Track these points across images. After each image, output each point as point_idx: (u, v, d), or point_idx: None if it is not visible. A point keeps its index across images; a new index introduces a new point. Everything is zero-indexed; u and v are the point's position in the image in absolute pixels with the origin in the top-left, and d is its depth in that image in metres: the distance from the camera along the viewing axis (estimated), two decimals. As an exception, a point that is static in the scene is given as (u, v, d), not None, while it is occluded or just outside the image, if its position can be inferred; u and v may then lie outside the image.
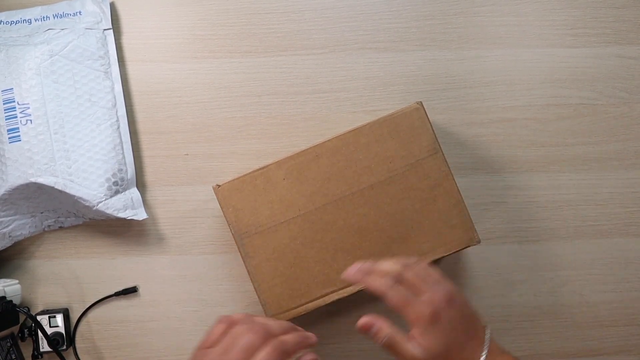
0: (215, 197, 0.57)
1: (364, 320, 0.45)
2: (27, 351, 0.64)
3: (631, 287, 0.65)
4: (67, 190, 0.59)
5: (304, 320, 0.65)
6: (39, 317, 0.62)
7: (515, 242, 0.65)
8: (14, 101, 0.60)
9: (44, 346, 0.62)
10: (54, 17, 0.63)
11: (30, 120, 0.59)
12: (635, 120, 0.66)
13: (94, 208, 0.60)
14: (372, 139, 0.56)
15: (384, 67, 0.66)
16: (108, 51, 0.64)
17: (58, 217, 0.64)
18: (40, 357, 0.63)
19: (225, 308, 0.65)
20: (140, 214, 0.62)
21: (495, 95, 0.66)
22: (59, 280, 0.65)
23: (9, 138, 0.59)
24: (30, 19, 0.64)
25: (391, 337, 0.44)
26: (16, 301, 0.61)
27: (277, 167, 0.56)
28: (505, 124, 0.66)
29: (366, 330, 0.45)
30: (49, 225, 0.65)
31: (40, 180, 0.59)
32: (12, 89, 0.60)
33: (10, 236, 0.63)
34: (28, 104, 0.60)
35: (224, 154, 0.66)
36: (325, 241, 0.56)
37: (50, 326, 0.63)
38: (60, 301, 0.65)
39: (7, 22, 0.64)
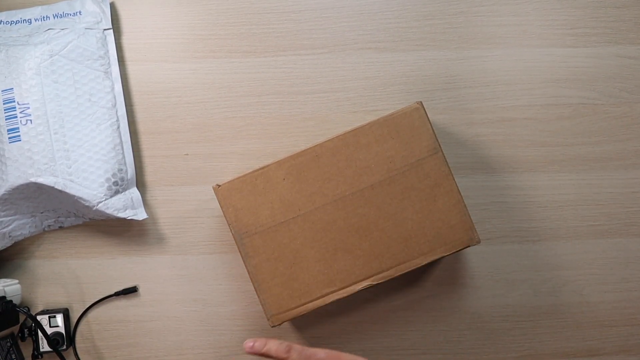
0: (215, 197, 0.57)
1: (248, 344, 0.48)
2: (27, 351, 0.64)
3: (631, 287, 0.65)
4: (67, 190, 0.59)
5: (304, 320, 0.65)
6: (39, 317, 0.62)
7: (515, 242, 0.65)
8: (14, 101, 0.60)
9: (44, 346, 0.62)
10: (54, 17, 0.63)
11: (30, 120, 0.60)
12: (636, 120, 0.66)
13: (94, 208, 0.60)
14: (372, 139, 0.56)
15: (384, 67, 0.66)
16: (108, 51, 0.64)
17: (58, 217, 0.64)
18: (40, 357, 0.63)
19: (225, 308, 0.65)
20: (140, 214, 0.62)
21: (495, 95, 0.66)
22: (59, 280, 0.65)
23: (9, 138, 0.59)
24: (30, 19, 0.64)
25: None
26: (16, 301, 0.61)
27: (277, 167, 0.56)
28: (505, 123, 0.66)
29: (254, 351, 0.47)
30: (49, 225, 0.65)
31: (40, 180, 0.59)
32: (12, 88, 0.60)
33: (10, 236, 0.63)
34: (28, 103, 0.60)
35: (224, 154, 0.66)
36: (325, 241, 0.56)
37: (50, 326, 0.63)
38: (60, 301, 0.65)
39: (7, 22, 0.64)
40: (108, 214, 0.61)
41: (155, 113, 0.66)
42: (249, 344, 0.47)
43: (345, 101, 0.66)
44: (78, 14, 0.64)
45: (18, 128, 0.59)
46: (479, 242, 0.56)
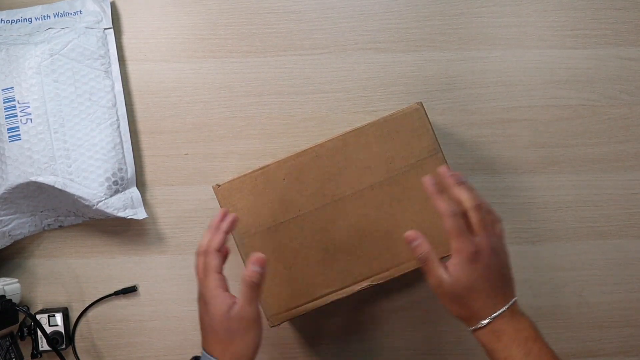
0: (215, 196, 0.57)
1: (410, 232, 0.48)
2: (26, 350, 0.64)
3: (630, 288, 0.65)
4: (67, 190, 0.59)
5: (304, 320, 0.65)
6: (38, 316, 0.62)
7: (515, 242, 0.65)
8: (14, 100, 0.60)
9: (44, 345, 0.62)
10: (55, 16, 0.63)
11: (30, 119, 0.59)
12: (635, 121, 0.66)
13: (94, 207, 0.60)
14: (372, 139, 0.56)
15: (384, 68, 0.66)
16: (108, 50, 0.64)
17: (58, 216, 0.64)
18: (39, 356, 0.63)
19: (224, 308, 0.65)
20: (140, 214, 0.62)
21: (495, 96, 0.66)
22: (59, 279, 0.65)
23: (9, 137, 0.59)
24: (31, 18, 0.64)
25: (428, 255, 0.47)
26: (15, 300, 0.61)
27: (277, 167, 0.56)
28: (505, 124, 0.66)
29: (409, 241, 0.48)
30: (48, 224, 0.65)
31: (40, 179, 0.59)
32: (12, 88, 0.60)
33: (10, 235, 0.63)
34: (28, 103, 0.60)
35: (224, 154, 0.66)
36: (325, 241, 0.56)
37: (49, 325, 0.63)
38: (60, 300, 0.65)
39: (7, 21, 0.64)
40: (108, 213, 0.61)
41: (155, 113, 0.66)
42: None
43: (345, 101, 0.66)
44: (78, 13, 0.64)
45: (18, 127, 0.59)
46: (478, 242, 0.56)
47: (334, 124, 0.66)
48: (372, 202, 0.56)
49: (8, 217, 0.62)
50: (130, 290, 0.65)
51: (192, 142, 0.66)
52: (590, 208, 0.65)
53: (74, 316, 0.65)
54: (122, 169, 0.62)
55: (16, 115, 0.59)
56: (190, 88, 0.66)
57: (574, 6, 0.66)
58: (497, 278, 0.47)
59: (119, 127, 0.63)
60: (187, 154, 0.66)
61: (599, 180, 0.66)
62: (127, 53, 0.66)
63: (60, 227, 0.65)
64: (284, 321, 0.56)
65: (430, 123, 0.56)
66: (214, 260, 0.48)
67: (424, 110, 0.56)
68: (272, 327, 0.56)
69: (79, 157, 0.60)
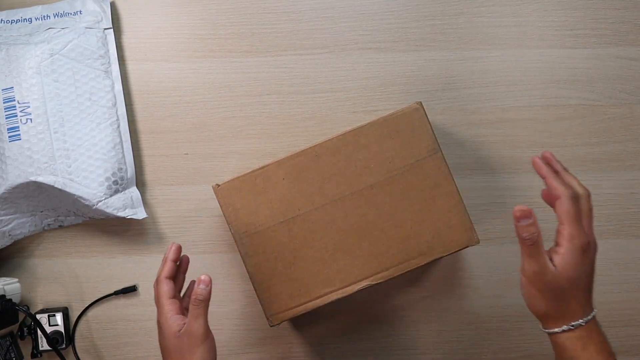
0: (215, 196, 0.57)
1: (522, 207, 0.43)
2: (26, 350, 0.64)
3: (630, 288, 0.65)
4: (67, 189, 0.59)
5: (304, 320, 0.65)
6: (38, 316, 0.62)
7: (514, 242, 0.64)
8: (14, 100, 0.60)
9: (44, 345, 0.62)
10: (55, 16, 0.63)
11: (30, 119, 0.60)
12: (635, 121, 0.66)
13: (94, 207, 0.60)
14: (372, 139, 0.56)
15: (384, 67, 0.66)
16: (108, 50, 0.64)
17: (58, 216, 0.64)
18: (39, 355, 0.63)
19: (224, 307, 0.65)
20: (140, 213, 0.62)
21: (495, 95, 0.66)
22: (59, 279, 0.65)
23: (9, 137, 0.59)
24: (31, 18, 0.64)
25: (538, 239, 0.43)
26: (16, 300, 0.61)
27: (277, 167, 0.56)
28: (505, 124, 0.66)
29: (520, 217, 0.43)
30: (48, 224, 0.65)
31: (40, 179, 0.59)
32: (12, 87, 0.60)
33: (10, 235, 0.63)
34: (28, 102, 0.60)
35: (224, 154, 0.66)
36: (325, 241, 0.56)
37: (49, 325, 0.63)
38: (60, 300, 0.65)
39: (7, 21, 0.64)
40: (108, 213, 0.61)
41: (155, 112, 0.66)
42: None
43: (345, 101, 0.66)
44: (78, 13, 0.64)
45: (18, 127, 0.59)
46: (478, 242, 0.56)
47: (334, 124, 0.66)
48: (372, 202, 0.56)
49: (8, 217, 0.62)
50: (130, 290, 0.65)
51: (192, 142, 0.66)
52: (590, 208, 0.65)
53: (74, 316, 0.65)
54: (122, 168, 0.62)
55: (16, 115, 0.59)
56: (190, 88, 0.66)
57: (574, 6, 0.66)
58: (592, 279, 0.44)
59: (119, 127, 0.63)
60: (187, 154, 0.66)
61: (598, 179, 0.66)
62: (127, 53, 0.66)
63: (60, 227, 0.65)
64: (284, 321, 0.56)
65: (429, 123, 0.56)
66: (164, 287, 0.51)
67: (424, 110, 0.56)
68: (272, 326, 0.56)
69: (79, 157, 0.60)
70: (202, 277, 0.49)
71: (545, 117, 0.66)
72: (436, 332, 0.65)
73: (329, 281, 0.56)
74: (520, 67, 0.66)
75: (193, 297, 0.48)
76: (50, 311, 0.63)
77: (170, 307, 0.50)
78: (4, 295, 0.59)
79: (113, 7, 0.66)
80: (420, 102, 0.56)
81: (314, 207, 0.56)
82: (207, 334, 0.49)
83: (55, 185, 0.59)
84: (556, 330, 0.43)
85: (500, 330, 0.65)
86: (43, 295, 0.65)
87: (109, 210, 0.61)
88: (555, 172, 0.47)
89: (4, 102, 0.60)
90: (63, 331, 0.63)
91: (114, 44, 0.64)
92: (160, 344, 0.51)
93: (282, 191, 0.56)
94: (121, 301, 0.65)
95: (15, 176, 0.59)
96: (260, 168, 0.56)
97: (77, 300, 0.65)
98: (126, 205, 0.62)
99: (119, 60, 0.64)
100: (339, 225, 0.56)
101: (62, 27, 0.63)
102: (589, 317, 0.43)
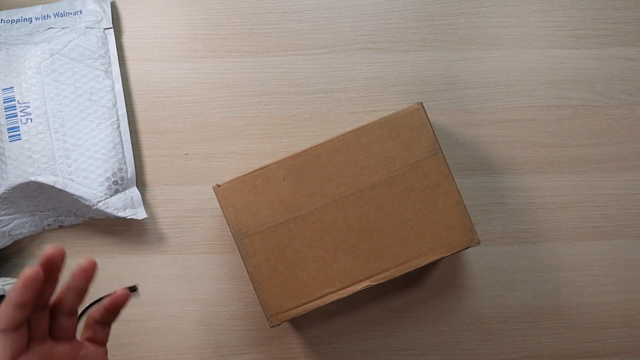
0: (215, 196, 0.57)
1: None
2: (26, 350, 0.64)
3: (631, 289, 0.65)
4: (67, 189, 0.59)
5: (304, 320, 0.65)
6: (38, 316, 0.62)
7: (514, 243, 0.65)
8: (14, 100, 0.60)
9: (43, 345, 0.62)
10: (55, 16, 0.63)
11: (31, 119, 0.60)
12: (636, 121, 0.66)
13: (94, 207, 0.60)
14: (372, 140, 0.56)
15: (384, 68, 0.66)
16: (108, 50, 0.64)
17: (58, 216, 0.64)
18: (39, 356, 0.63)
19: (224, 308, 0.65)
20: (140, 214, 0.62)
21: (495, 96, 0.66)
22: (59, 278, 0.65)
23: (9, 137, 0.59)
24: (31, 18, 0.64)
25: None
26: (15, 300, 0.61)
27: (277, 167, 0.56)
28: (505, 125, 0.66)
29: None
30: (48, 224, 0.65)
31: (40, 179, 0.59)
32: (12, 87, 0.60)
33: (9, 235, 0.63)
34: (28, 102, 0.60)
35: (224, 154, 0.66)
36: (325, 241, 0.56)
37: (49, 325, 0.63)
38: (60, 300, 0.65)
39: (7, 21, 0.64)
40: (108, 213, 0.61)
41: (155, 112, 0.66)
42: None
43: (345, 101, 0.66)
44: (79, 13, 0.64)
45: (18, 127, 0.59)
46: (478, 243, 0.56)
47: (334, 124, 0.66)
48: (372, 202, 0.56)
49: (8, 217, 0.62)
50: (130, 290, 0.65)
51: (192, 142, 0.66)
52: (591, 208, 0.65)
53: (74, 316, 0.65)
54: (122, 168, 0.62)
55: (16, 115, 0.59)
56: (190, 88, 0.66)
57: (574, 6, 0.66)
58: None
59: (119, 126, 0.63)
60: (187, 154, 0.66)
61: (599, 180, 0.66)
62: (127, 53, 0.66)
63: (60, 227, 0.65)
64: (284, 321, 0.56)
65: (430, 123, 0.56)
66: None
67: (424, 110, 0.56)
68: (272, 327, 0.56)
69: (79, 157, 0.60)
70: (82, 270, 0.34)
71: (546, 118, 0.66)
72: (436, 333, 0.65)
73: (329, 282, 0.56)
74: (521, 67, 0.66)
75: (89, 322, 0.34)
76: (50, 311, 0.63)
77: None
78: (3, 296, 0.59)
79: (113, 7, 0.66)
80: (421, 103, 0.56)
81: (315, 208, 0.56)
82: None
83: (56, 186, 0.59)
84: None
85: (500, 331, 0.65)
86: (43, 295, 0.65)
87: (109, 210, 0.61)
88: None
89: (4, 102, 0.60)
90: (63, 331, 0.63)
91: (114, 43, 0.64)
92: None
93: (283, 191, 0.56)
94: (121, 301, 0.65)
95: (15, 176, 0.59)
96: (261, 168, 0.56)
97: (77, 301, 0.65)
98: (126, 205, 0.62)
99: (119, 60, 0.64)
100: (339, 225, 0.56)
101: (62, 27, 0.63)
102: None
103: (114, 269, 0.65)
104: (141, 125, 0.66)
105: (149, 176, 0.66)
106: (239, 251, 0.57)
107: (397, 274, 0.56)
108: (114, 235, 0.66)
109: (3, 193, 0.60)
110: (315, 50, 0.66)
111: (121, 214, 0.61)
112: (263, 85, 0.66)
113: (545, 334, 0.66)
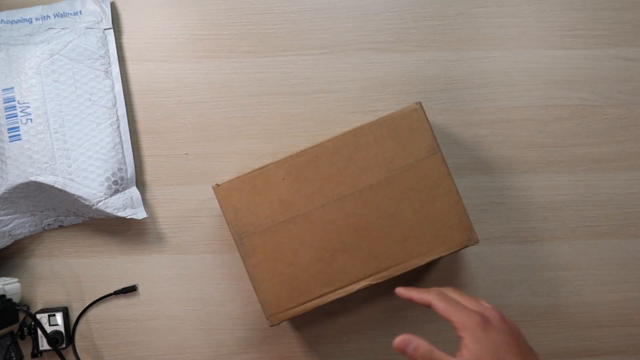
0: (214, 196, 0.57)
1: (399, 339, 0.42)
2: (26, 350, 0.64)
3: (629, 288, 0.66)
4: (67, 189, 0.60)
5: (303, 320, 0.65)
6: (38, 316, 0.62)
7: (513, 242, 0.65)
8: (14, 100, 0.60)
9: (44, 345, 0.62)
10: (55, 17, 0.64)
11: (31, 119, 0.60)
12: (634, 121, 0.66)
13: (94, 207, 0.60)
14: (371, 140, 0.56)
15: (383, 68, 0.66)
16: (108, 50, 0.64)
17: (58, 216, 0.64)
18: (39, 355, 0.63)
19: (224, 307, 0.65)
20: (140, 213, 0.63)
21: (494, 96, 0.66)
22: (59, 278, 0.65)
23: (9, 137, 0.60)
24: (31, 18, 0.64)
25: (432, 353, 0.41)
26: (16, 300, 0.61)
27: (277, 167, 0.56)
28: (504, 124, 0.66)
29: (403, 348, 0.42)
30: (48, 224, 0.65)
31: (40, 179, 0.59)
32: (12, 88, 0.60)
33: (10, 235, 0.63)
34: (28, 102, 0.60)
35: (224, 154, 0.66)
36: (325, 241, 0.56)
37: (49, 325, 0.63)
38: (60, 300, 0.65)
39: (7, 22, 0.64)
40: (108, 213, 0.61)
41: (155, 112, 0.66)
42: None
43: (344, 101, 0.66)
44: (79, 13, 0.64)
45: (18, 127, 0.60)
46: (477, 242, 0.56)
47: (333, 124, 0.66)
48: (371, 202, 0.56)
49: (8, 217, 0.62)
50: (130, 290, 0.65)
51: (192, 142, 0.66)
52: (589, 208, 0.66)
53: (74, 316, 0.65)
54: (122, 168, 0.62)
55: (16, 115, 0.60)
56: (190, 88, 0.66)
57: (572, 6, 0.66)
58: (518, 344, 0.41)
59: (119, 127, 0.63)
60: (187, 154, 0.66)
61: (597, 180, 0.66)
62: (127, 53, 0.66)
63: (60, 226, 0.65)
64: (283, 320, 0.56)
65: (429, 123, 0.56)
66: None
67: (423, 110, 0.57)
68: (271, 326, 0.57)
69: (79, 157, 0.60)
70: None
71: (544, 118, 0.66)
72: (436, 332, 0.65)
73: (328, 281, 0.56)
74: (520, 67, 0.66)
75: None
76: (51, 311, 0.63)
77: None
78: (4, 295, 0.59)
79: (113, 7, 0.66)
80: (420, 103, 0.57)
81: (314, 207, 0.56)
82: None
83: (56, 186, 0.59)
84: None
85: (499, 330, 0.65)
86: (43, 295, 0.65)
87: (109, 210, 0.61)
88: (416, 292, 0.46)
89: (4, 102, 0.60)
90: (63, 331, 0.63)
91: (114, 44, 0.64)
92: None
93: (282, 191, 0.56)
94: (121, 301, 0.65)
95: (16, 176, 0.59)
96: (260, 168, 0.57)
97: (77, 300, 0.65)
98: (126, 205, 0.62)
99: (119, 61, 0.64)
100: (338, 225, 0.56)
101: (62, 27, 0.63)
102: None
103: (114, 269, 0.65)
104: (141, 126, 0.66)
105: (149, 176, 0.66)
106: (239, 251, 0.57)
107: (396, 274, 0.56)
108: (114, 235, 0.66)
109: (3, 193, 0.60)
110: (314, 50, 0.66)
111: (121, 214, 0.61)
112: (263, 85, 0.66)
113: (543, 332, 0.66)
